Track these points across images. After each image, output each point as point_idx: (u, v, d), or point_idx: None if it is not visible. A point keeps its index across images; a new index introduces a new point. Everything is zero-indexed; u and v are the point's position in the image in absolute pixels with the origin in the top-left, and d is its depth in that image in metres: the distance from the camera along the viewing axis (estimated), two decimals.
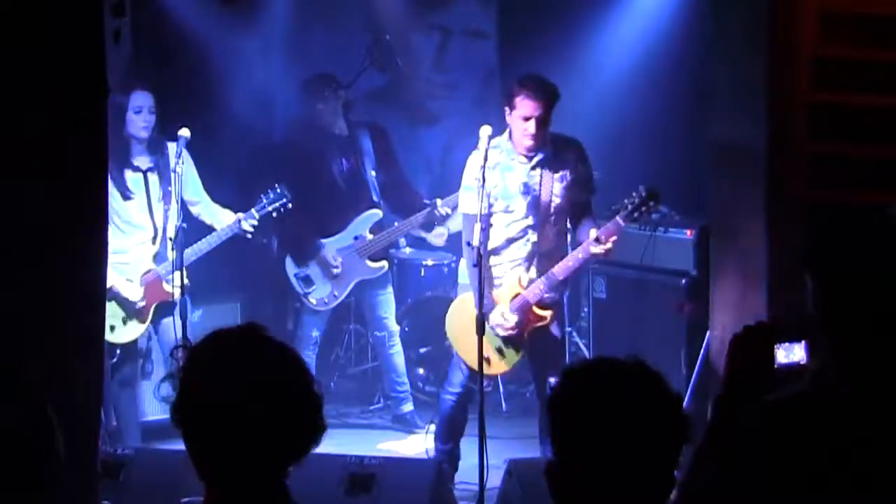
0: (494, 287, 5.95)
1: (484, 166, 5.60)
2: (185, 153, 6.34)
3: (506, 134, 5.90)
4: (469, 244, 5.76)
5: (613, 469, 2.20)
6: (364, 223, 7.25)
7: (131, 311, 6.42)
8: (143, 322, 6.46)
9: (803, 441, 2.38)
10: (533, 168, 5.86)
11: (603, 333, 7.31)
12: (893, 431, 2.35)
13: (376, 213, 7.28)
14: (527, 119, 5.74)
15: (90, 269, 4.40)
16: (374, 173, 7.30)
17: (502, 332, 5.92)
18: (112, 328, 6.34)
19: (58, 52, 4.22)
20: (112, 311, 6.31)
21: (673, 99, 7.61)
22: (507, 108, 5.82)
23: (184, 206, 6.37)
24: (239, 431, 2.34)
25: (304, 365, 2.48)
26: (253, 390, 2.36)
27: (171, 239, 6.17)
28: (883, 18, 5.39)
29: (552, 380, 5.95)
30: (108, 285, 6.18)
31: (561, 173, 5.87)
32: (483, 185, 5.60)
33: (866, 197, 5.22)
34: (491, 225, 5.91)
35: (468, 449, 6.17)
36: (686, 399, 6.26)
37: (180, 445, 2.42)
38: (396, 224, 7.32)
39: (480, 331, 5.63)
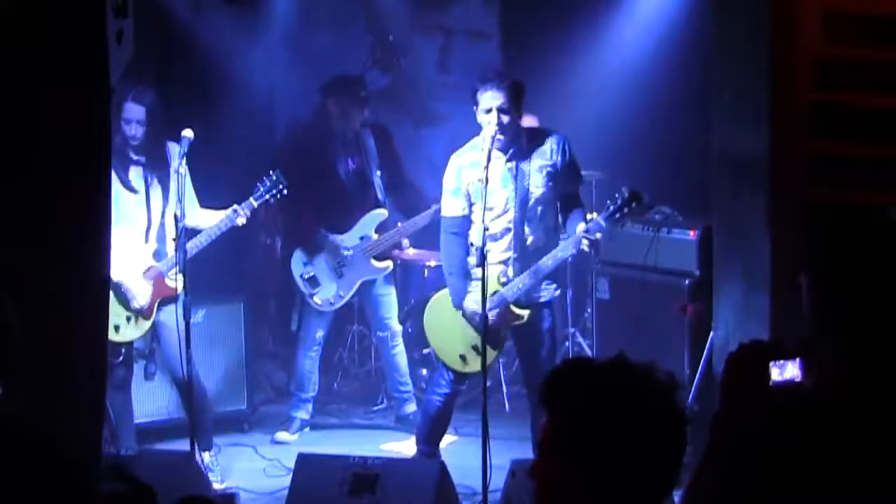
0: (473, 280, 5.94)
1: (487, 167, 5.62)
2: (185, 169, 6.37)
3: (481, 134, 5.90)
4: (471, 244, 5.79)
5: (605, 475, 2.19)
6: (369, 223, 7.25)
7: (136, 310, 6.41)
8: (148, 319, 6.44)
9: (802, 440, 2.39)
10: (508, 161, 5.84)
11: (606, 334, 7.31)
12: (891, 429, 2.36)
13: (382, 213, 7.28)
14: (489, 111, 5.74)
15: (92, 269, 4.41)
16: (378, 173, 7.31)
17: (476, 320, 5.85)
18: (116, 328, 6.34)
19: (60, 52, 4.23)
20: (116, 311, 6.31)
21: (675, 99, 7.62)
22: (474, 108, 5.82)
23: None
24: None
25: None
26: None
27: (173, 239, 6.17)
28: (884, 18, 5.39)
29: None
30: (117, 282, 6.22)
31: (538, 165, 5.86)
32: (486, 186, 5.62)
33: (866, 197, 5.23)
34: (472, 222, 5.91)
35: (471, 450, 6.18)
36: (689, 399, 6.26)
37: (180, 446, 2.43)
38: (400, 224, 7.33)
39: (484, 330, 5.64)
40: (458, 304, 5.98)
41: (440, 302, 6.14)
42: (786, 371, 2.49)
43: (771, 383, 2.49)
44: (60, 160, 4.27)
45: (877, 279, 2.41)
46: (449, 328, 6.05)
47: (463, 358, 6.04)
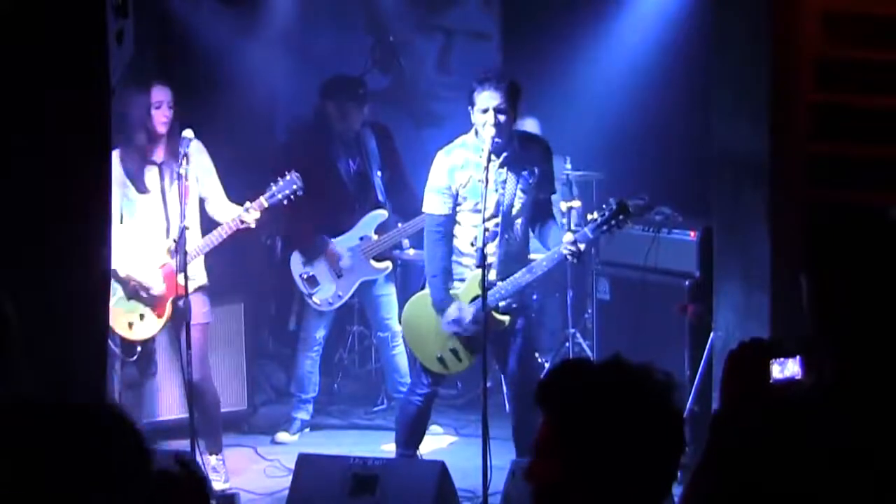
0: (455, 280, 5.92)
1: (487, 167, 5.61)
2: (202, 150, 6.36)
3: (472, 132, 5.87)
4: (471, 244, 5.78)
5: (603, 475, 2.18)
6: (369, 224, 7.25)
7: (150, 305, 6.37)
8: (161, 317, 6.40)
9: (801, 441, 2.38)
10: (500, 166, 5.81)
11: (606, 334, 7.32)
12: (889, 430, 2.36)
13: (382, 214, 7.28)
14: (485, 111, 5.70)
15: (92, 268, 4.41)
16: (379, 173, 7.31)
17: (455, 328, 5.84)
18: (130, 325, 6.33)
19: (60, 52, 4.23)
20: (130, 308, 6.30)
21: (675, 100, 7.61)
22: (469, 108, 5.79)
23: (200, 203, 6.39)
24: None
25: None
26: None
27: (174, 240, 6.15)
28: (884, 18, 5.39)
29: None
30: (123, 275, 6.21)
31: (526, 171, 5.86)
32: (486, 186, 5.61)
33: (866, 197, 5.23)
34: (458, 223, 5.90)
35: (472, 450, 6.17)
36: (689, 400, 6.26)
37: (184, 446, 2.42)
38: (400, 225, 7.33)
39: (484, 330, 5.63)
40: (439, 307, 5.92)
41: (419, 302, 6.08)
42: (786, 368, 2.49)
43: (771, 381, 2.49)
44: (60, 160, 4.27)
45: (876, 279, 2.41)
46: (426, 329, 6.00)
47: (441, 360, 6.01)
